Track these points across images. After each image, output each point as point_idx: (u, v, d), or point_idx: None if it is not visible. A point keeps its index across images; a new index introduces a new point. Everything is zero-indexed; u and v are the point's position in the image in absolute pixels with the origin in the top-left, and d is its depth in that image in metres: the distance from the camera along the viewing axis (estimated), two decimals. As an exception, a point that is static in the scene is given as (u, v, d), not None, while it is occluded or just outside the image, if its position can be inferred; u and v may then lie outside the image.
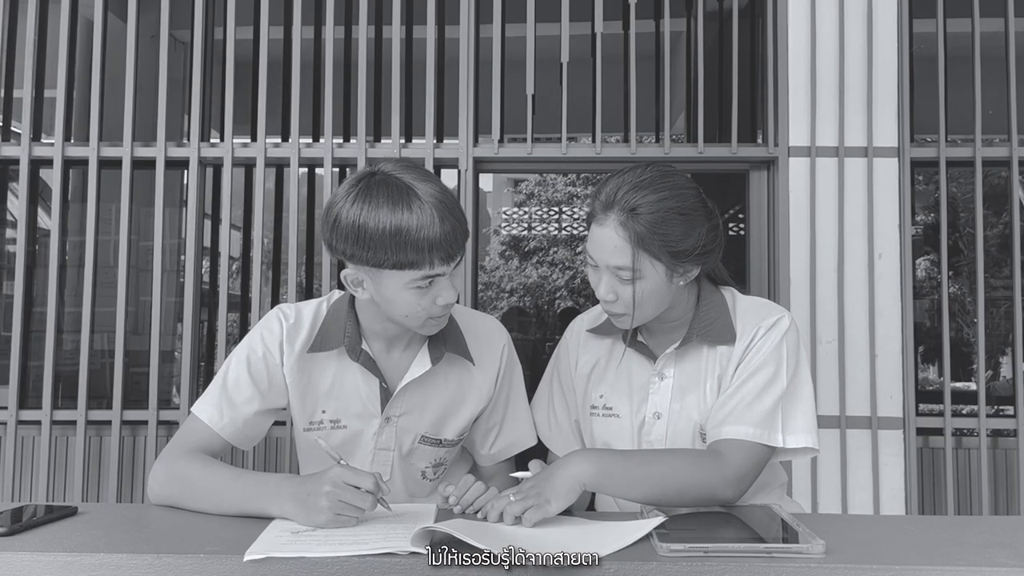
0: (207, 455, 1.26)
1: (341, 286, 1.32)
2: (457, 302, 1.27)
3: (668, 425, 1.33)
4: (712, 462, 1.19)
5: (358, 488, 1.06)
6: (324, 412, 1.35)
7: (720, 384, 1.31)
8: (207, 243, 3.28)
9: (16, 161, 2.78)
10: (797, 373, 1.29)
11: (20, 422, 2.70)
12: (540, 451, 1.49)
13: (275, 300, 5.55)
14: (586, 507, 1.42)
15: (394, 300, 1.21)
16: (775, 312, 1.33)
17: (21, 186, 2.83)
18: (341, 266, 1.25)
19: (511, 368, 1.44)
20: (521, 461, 1.51)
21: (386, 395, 1.34)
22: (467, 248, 1.24)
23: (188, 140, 2.76)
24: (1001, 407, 3.74)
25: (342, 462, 1.13)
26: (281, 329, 1.34)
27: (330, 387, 1.35)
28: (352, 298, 1.35)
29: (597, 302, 1.48)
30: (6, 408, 2.69)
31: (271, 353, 1.33)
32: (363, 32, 2.75)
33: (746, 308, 1.35)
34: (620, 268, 1.22)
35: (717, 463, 1.19)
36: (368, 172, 1.21)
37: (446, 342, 1.35)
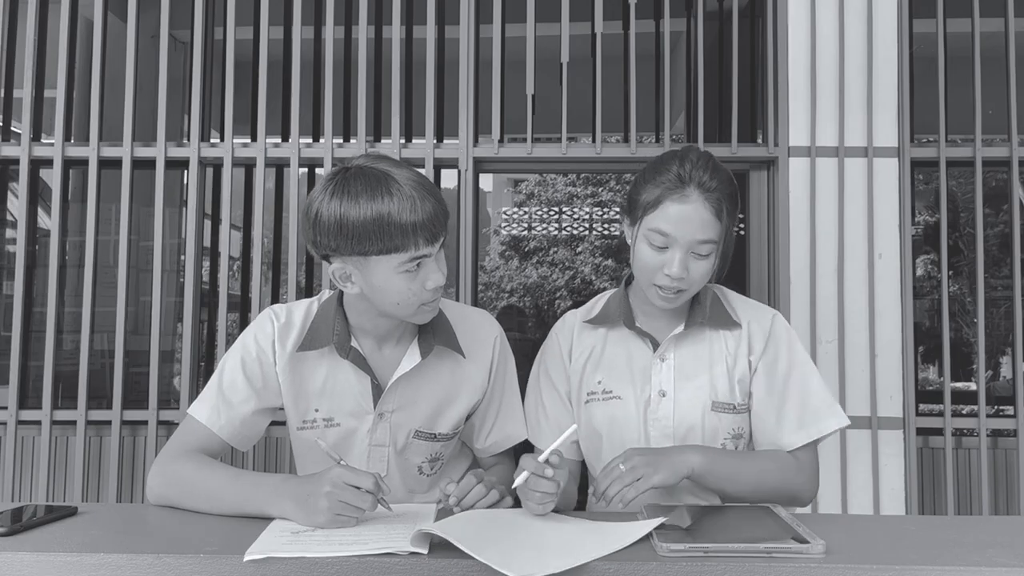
0: (205, 456, 1.26)
1: (334, 285, 1.32)
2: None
3: (675, 403, 1.37)
4: (796, 468, 1.33)
5: (358, 488, 1.06)
6: (317, 411, 1.36)
7: (733, 365, 1.37)
8: (207, 243, 3.27)
9: (16, 161, 2.78)
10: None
11: (20, 422, 2.70)
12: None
13: (275, 300, 5.54)
14: (573, 507, 1.41)
15: (384, 288, 1.21)
16: (767, 307, 1.44)
17: (21, 186, 2.83)
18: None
19: (504, 360, 1.44)
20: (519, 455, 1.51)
21: (378, 391, 1.34)
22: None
23: (188, 140, 2.76)
24: (1001, 407, 3.73)
25: (342, 462, 1.13)
26: (273, 329, 1.35)
27: (322, 386, 1.35)
28: (340, 296, 1.35)
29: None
30: (6, 408, 2.69)
31: (264, 353, 1.34)
32: (363, 32, 2.75)
33: (736, 299, 1.46)
34: (704, 242, 1.27)
35: (800, 469, 1.33)
36: (342, 168, 1.22)
37: (435, 335, 1.35)
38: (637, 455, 1.20)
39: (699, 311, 1.39)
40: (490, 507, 1.16)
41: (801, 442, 1.34)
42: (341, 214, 1.16)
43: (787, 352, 1.39)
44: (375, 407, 1.34)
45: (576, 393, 1.44)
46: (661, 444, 1.36)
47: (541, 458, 1.11)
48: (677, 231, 1.26)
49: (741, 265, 2.80)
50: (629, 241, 1.36)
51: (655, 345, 1.40)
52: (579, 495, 1.48)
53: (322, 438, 1.32)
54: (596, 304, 1.50)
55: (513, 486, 1.12)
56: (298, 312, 1.38)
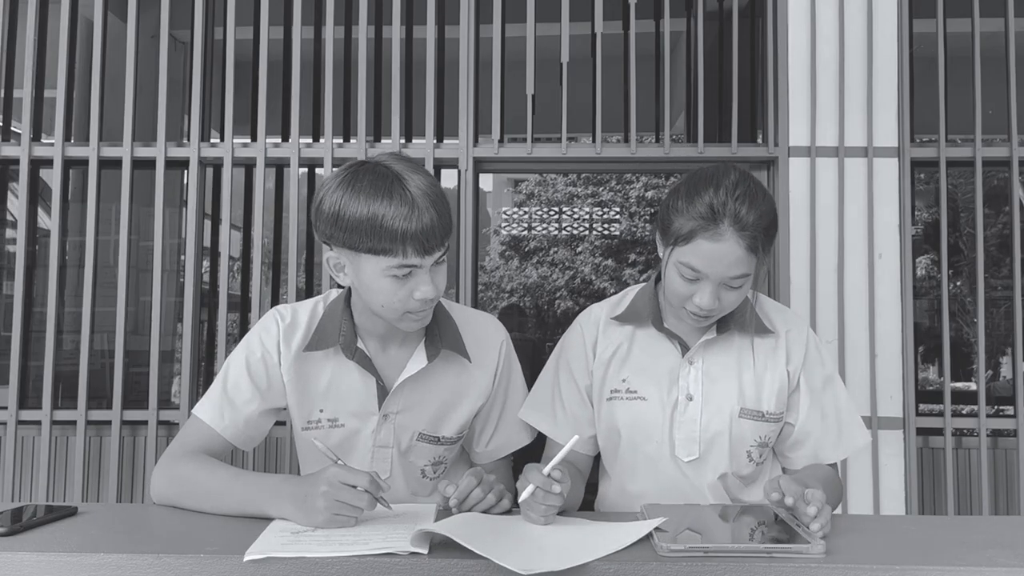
0: (208, 456, 1.26)
1: (339, 286, 1.32)
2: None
3: (702, 408, 1.36)
4: (839, 482, 1.42)
5: (355, 487, 1.06)
6: (322, 411, 1.35)
7: (764, 372, 1.37)
8: (207, 243, 3.27)
9: (16, 161, 2.78)
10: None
11: (20, 422, 2.70)
12: (536, 450, 1.48)
13: (275, 300, 5.55)
14: (578, 507, 1.41)
15: (371, 287, 1.21)
16: (797, 314, 1.46)
17: (21, 186, 2.83)
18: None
19: (509, 365, 1.43)
20: (519, 460, 1.50)
21: (383, 392, 1.34)
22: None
23: (188, 140, 2.77)
24: (1001, 407, 3.74)
25: (339, 462, 1.13)
26: (278, 329, 1.35)
27: (327, 386, 1.35)
28: (347, 297, 1.35)
29: (596, 301, 1.48)
30: (6, 408, 2.69)
31: (269, 353, 1.34)
32: (363, 32, 2.75)
33: (769, 305, 1.44)
34: (737, 277, 1.25)
35: (839, 482, 1.42)
36: (360, 161, 1.22)
37: (442, 339, 1.35)
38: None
39: (732, 317, 1.36)
40: (489, 509, 1.16)
41: (839, 457, 1.39)
42: (341, 206, 1.17)
43: (821, 365, 1.40)
44: (380, 408, 1.34)
45: (598, 389, 1.42)
46: (686, 448, 1.35)
47: (546, 471, 1.08)
48: (708, 268, 1.24)
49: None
50: (661, 255, 1.33)
51: (684, 348, 1.38)
52: (587, 494, 1.46)
53: (327, 438, 1.32)
54: (623, 300, 1.46)
55: (519, 500, 1.10)
56: (303, 312, 1.38)
